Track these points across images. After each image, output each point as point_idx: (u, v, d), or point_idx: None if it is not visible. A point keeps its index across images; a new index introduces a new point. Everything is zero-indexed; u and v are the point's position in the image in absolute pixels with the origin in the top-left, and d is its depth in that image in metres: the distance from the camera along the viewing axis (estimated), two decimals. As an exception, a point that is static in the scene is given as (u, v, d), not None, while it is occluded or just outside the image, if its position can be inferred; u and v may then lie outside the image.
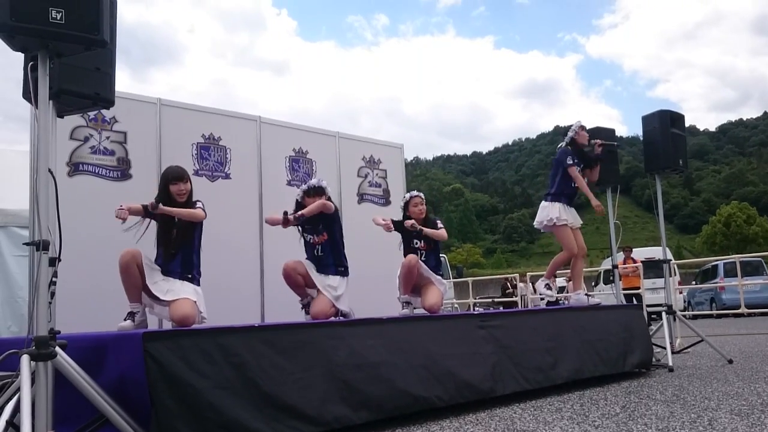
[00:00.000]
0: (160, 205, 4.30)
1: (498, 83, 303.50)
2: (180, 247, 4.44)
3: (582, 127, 6.28)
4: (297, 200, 5.12)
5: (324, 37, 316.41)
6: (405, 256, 5.41)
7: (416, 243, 5.46)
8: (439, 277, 5.45)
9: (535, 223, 6.31)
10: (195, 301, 4.30)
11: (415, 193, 5.59)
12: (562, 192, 6.10)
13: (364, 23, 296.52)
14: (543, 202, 6.23)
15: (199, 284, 4.51)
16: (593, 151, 6.30)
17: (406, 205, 5.58)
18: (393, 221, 5.41)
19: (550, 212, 6.07)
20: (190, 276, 4.46)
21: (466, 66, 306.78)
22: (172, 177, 4.50)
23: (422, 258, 5.40)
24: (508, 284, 17.03)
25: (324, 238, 5.03)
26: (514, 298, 17.09)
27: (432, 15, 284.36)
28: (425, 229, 5.38)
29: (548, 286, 6.35)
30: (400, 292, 5.40)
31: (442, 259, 20.60)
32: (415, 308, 5.66)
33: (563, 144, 6.34)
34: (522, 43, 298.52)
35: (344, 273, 5.10)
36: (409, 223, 5.33)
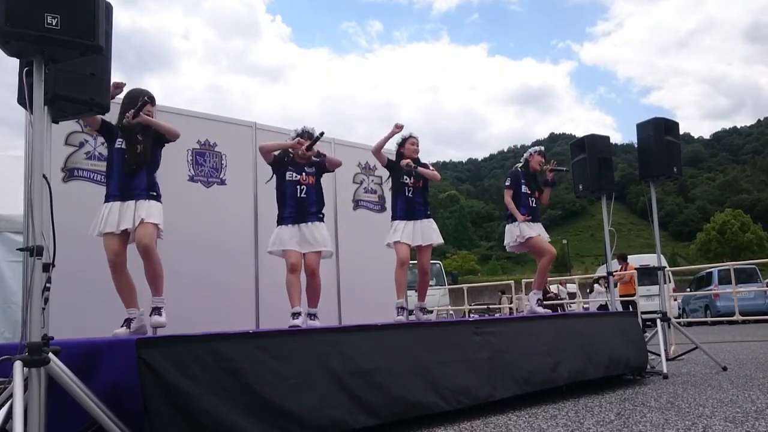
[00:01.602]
0: (142, 114, 4.31)
1: (492, 90, 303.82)
2: (144, 164, 4.40)
3: (539, 152, 6.36)
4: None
5: (318, 43, 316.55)
6: (393, 193, 5.65)
7: (406, 179, 5.56)
8: (430, 222, 5.59)
9: (505, 244, 6.34)
10: (157, 225, 4.35)
11: (413, 133, 5.71)
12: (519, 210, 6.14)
13: (359, 30, 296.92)
14: (507, 225, 6.29)
15: (161, 201, 4.51)
16: (545, 176, 6.35)
17: (402, 143, 5.70)
18: (387, 160, 5.64)
19: (513, 232, 6.14)
20: (154, 194, 4.45)
21: (460, 73, 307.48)
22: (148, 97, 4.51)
23: (409, 194, 5.55)
24: (549, 288, 17.31)
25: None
26: (560, 300, 17.18)
27: (426, 22, 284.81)
28: (420, 168, 5.57)
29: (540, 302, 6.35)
30: (396, 296, 5.49)
31: (437, 265, 20.58)
32: (410, 313, 5.68)
33: (518, 165, 6.46)
34: (516, 50, 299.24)
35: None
36: (405, 162, 5.52)
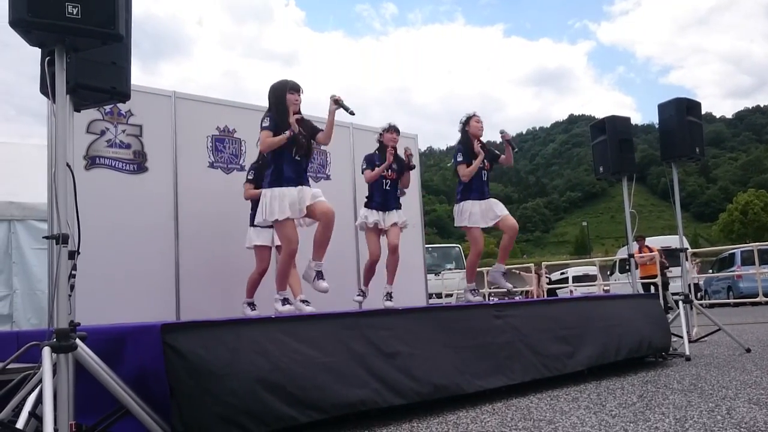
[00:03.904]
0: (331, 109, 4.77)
1: (509, 72, 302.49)
2: (308, 155, 4.81)
3: (473, 117, 5.85)
4: None
5: (332, 27, 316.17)
6: (465, 178, 5.62)
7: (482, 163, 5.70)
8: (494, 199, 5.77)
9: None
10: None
11: (476, 112, 5.84)
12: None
13: (373, 12, 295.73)
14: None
15: None
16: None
17: (467, 121, 5.78)
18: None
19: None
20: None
21: (476, 55, 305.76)
22: (291, 87, 4.74)
23: (485, 178, 5.74)
24: (666, 263, 15.41)
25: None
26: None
27: (440, 3, 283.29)
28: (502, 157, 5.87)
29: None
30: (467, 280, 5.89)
31: (456, 249, 20.38)
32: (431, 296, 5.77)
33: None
34: (532, 30, 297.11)
35: None
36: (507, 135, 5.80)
